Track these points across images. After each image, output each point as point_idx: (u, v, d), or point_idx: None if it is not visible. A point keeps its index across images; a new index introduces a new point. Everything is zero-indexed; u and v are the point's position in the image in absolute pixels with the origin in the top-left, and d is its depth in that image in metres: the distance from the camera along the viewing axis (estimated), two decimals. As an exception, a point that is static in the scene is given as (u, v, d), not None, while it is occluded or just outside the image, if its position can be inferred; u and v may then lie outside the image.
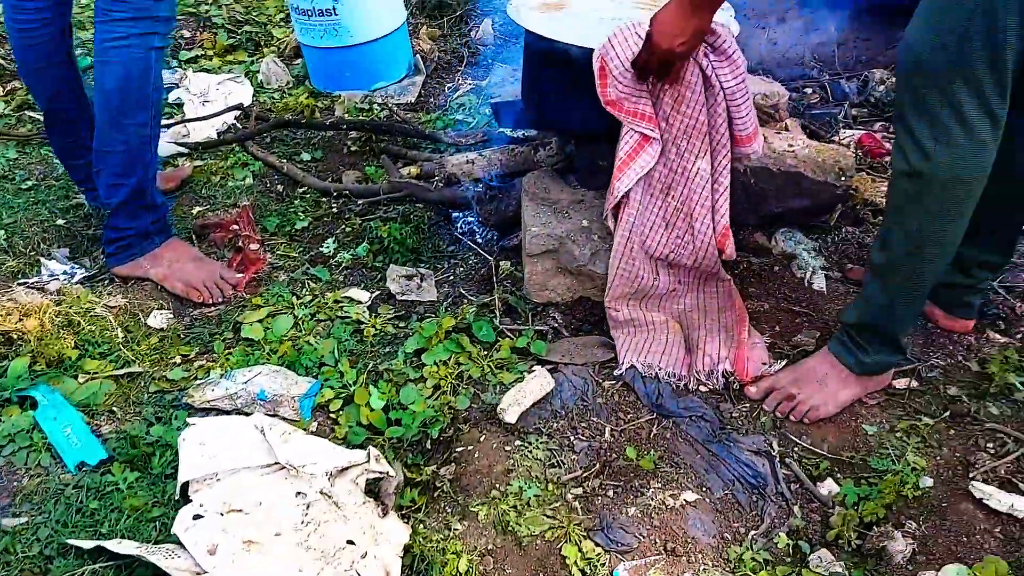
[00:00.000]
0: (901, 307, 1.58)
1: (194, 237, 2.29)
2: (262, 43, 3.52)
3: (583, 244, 1.91)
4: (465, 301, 2.01)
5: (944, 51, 1.29)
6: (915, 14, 1.36)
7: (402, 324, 1.97)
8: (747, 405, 1.72)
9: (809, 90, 2.97)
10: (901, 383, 1.74)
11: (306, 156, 2.74)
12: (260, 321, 1.96)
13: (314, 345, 1.86)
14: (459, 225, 2.33)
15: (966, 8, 1.26)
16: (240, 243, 2.25)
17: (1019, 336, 1.86)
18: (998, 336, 1.86)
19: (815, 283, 2.04)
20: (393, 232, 2.21)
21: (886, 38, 3.04)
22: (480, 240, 2.26)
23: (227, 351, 1.86)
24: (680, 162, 1.72)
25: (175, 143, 2.75)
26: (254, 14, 3.71)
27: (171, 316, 1.99)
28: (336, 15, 2.91)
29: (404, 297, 2.06)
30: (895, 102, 1.53)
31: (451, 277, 2.15)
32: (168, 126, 2.82)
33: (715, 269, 1.81)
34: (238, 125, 2.92)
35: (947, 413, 1.66)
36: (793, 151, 2.07)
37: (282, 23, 3.65)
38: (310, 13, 2.93)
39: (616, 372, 1.78)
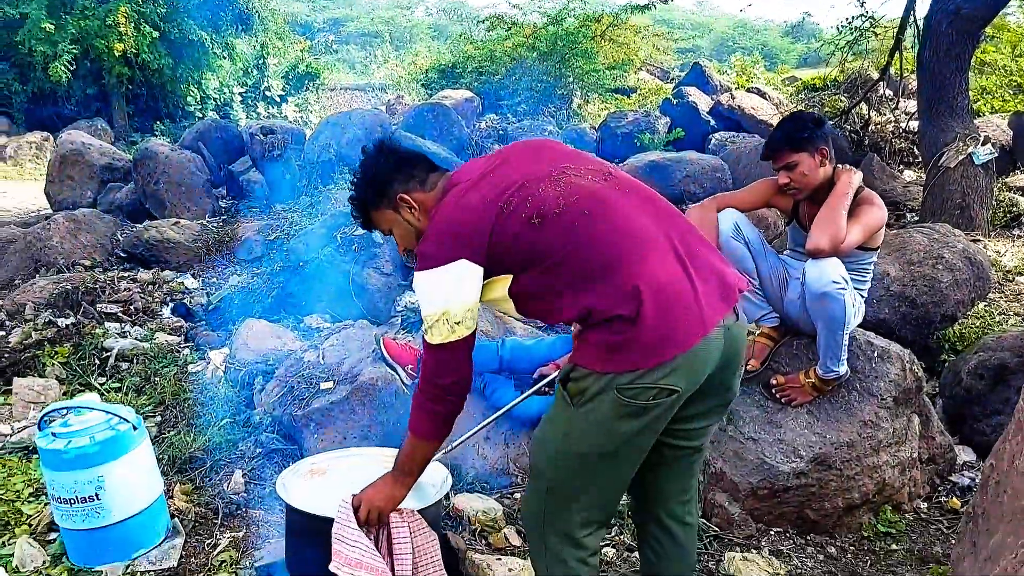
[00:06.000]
0: None
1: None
2: (12, 522, 3.61)
3: None
4: None
5: None
6: None
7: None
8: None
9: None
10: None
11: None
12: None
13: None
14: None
15: None
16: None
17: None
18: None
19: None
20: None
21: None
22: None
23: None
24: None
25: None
26: (1, 492, 3.82)
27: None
28: (99, 499, 3.24)
29: None
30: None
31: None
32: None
33: None
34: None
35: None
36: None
37: (32, 498, 3.79)
38: (72, 501, 3.22)
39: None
